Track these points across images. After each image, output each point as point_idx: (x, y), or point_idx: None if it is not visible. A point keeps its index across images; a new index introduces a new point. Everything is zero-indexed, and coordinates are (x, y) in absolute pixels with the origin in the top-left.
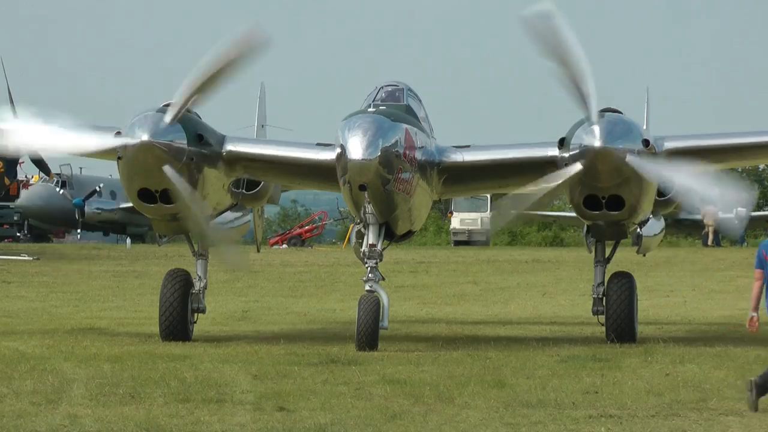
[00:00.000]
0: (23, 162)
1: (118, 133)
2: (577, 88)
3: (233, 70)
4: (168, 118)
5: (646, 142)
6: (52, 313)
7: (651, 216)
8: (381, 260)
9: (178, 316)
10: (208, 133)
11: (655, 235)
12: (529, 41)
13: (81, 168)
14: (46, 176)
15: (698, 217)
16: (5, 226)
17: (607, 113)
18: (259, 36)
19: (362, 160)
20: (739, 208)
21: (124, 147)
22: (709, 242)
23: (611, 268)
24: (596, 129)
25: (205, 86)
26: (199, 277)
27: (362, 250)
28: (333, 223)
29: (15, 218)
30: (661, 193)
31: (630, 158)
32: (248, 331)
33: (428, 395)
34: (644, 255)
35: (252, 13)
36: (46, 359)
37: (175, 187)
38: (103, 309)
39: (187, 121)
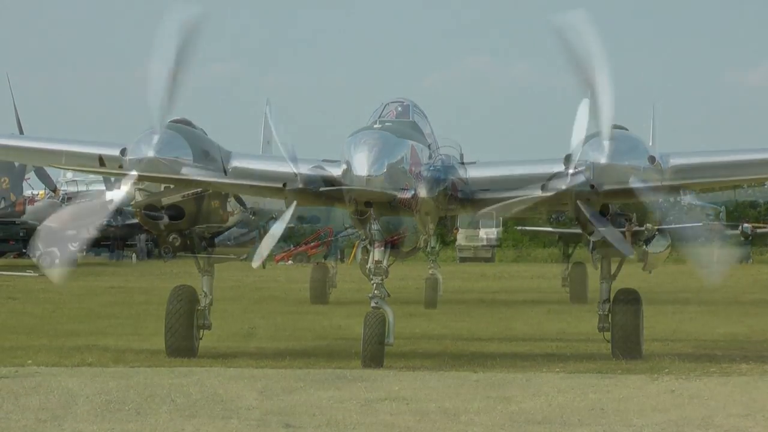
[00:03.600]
0: (29, 178)
1: (124, 150)
2: (594, 101)
3: (187, 57)
4: (158, 127)
5: (651, 159)
6: (57, 329)
7: (657, 233)
8: (387, 277)
9: (184, 332)
10: (214, 149)
11: (661, 251)
12: (553, 49)
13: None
14: (51, 192)
15: None
16: (11, 242)
17: (613, 129)
18: (194, 12)
19: (368, 176)
20: (745, 225)
21: (130, 164)
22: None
23: (617, 285)
24: (602, 145)
25: (174, 84)
26: (205, 293)
27: (368, 266)
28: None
29: (21, 234)
30: None
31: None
32: (254, 347)
33: (434, 412)
34: (650, 272)
35: (257, 26)
36: (51, 375)
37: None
38: (109, 325)
39: (193, 137)
